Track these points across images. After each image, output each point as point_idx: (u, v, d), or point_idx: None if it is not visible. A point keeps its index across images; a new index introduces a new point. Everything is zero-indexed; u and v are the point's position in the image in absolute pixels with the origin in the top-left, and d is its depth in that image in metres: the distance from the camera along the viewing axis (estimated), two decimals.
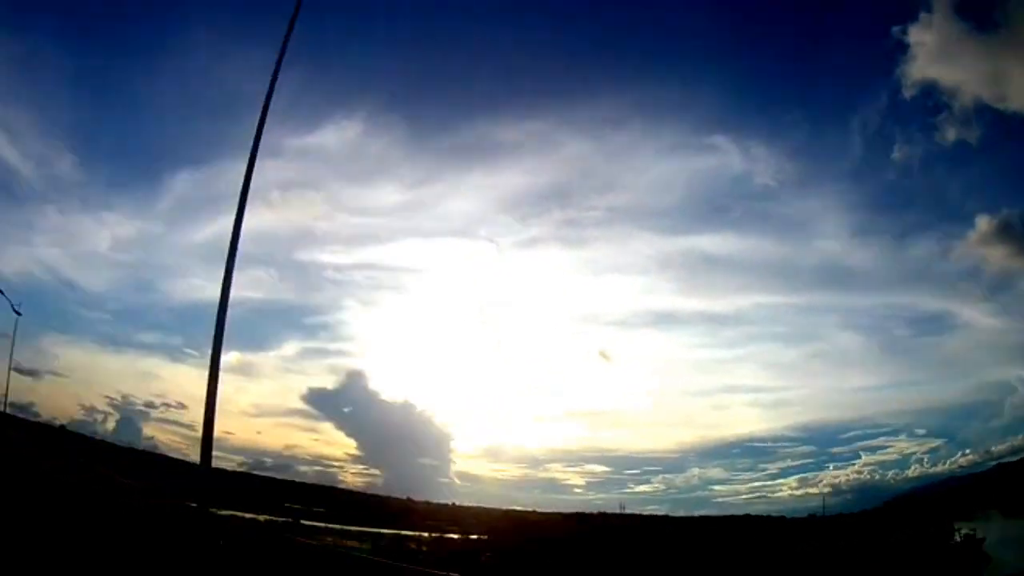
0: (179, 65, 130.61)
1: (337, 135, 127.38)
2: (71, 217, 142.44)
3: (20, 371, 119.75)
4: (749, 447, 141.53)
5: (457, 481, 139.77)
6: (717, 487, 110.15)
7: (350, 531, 44.77)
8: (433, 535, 44.86)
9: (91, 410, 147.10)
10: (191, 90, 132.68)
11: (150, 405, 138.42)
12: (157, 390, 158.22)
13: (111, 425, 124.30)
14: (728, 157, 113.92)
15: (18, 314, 58.70)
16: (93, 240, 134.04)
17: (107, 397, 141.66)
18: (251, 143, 14.61)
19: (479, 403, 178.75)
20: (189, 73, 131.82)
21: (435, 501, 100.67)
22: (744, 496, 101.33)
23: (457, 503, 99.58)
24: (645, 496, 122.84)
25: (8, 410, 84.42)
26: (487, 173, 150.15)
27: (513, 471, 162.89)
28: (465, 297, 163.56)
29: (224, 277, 13.64)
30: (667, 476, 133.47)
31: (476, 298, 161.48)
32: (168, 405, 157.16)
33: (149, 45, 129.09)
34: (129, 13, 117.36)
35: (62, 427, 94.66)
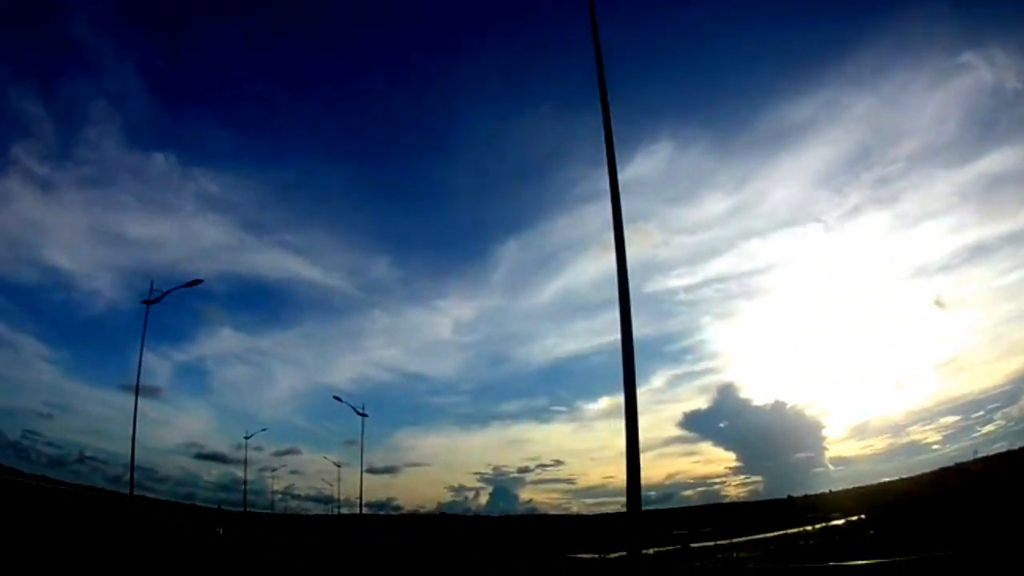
0: (463, 142, 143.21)
1: (649, 161, 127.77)
2: (401, 314, 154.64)
3: (374, 471, 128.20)
4: None
5: (830, 467, 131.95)
6: None
7: (739, 543, 48.38)
8: (816, 527, 46.24)
9: (460, 489, 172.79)
10: (483, 164, 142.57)
11: (524, 470, 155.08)
12: (529, 454, 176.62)
13: (484, 499, 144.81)
14: (978, 72, 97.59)
15: (364, 415, 60.58)
16: (432, 330, 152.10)
17: (476, 473, 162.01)
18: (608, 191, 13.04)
19: (839, 383, 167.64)
20: (474, 148, 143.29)
21: (812, 493, 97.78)
22: None
23: (832, 490, 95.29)
24: (991, 436, 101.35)
25: (365, 510, 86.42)
26: (795, 155, 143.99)
27: (878, 444, 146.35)
28: (806, 282, 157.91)
29: (621, 321, 12.29)
30: (1005, 410, 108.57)
31: (815, 280, 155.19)
32: (543, 466, 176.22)
33: (424, 135, 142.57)
34: (397, 115, 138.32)
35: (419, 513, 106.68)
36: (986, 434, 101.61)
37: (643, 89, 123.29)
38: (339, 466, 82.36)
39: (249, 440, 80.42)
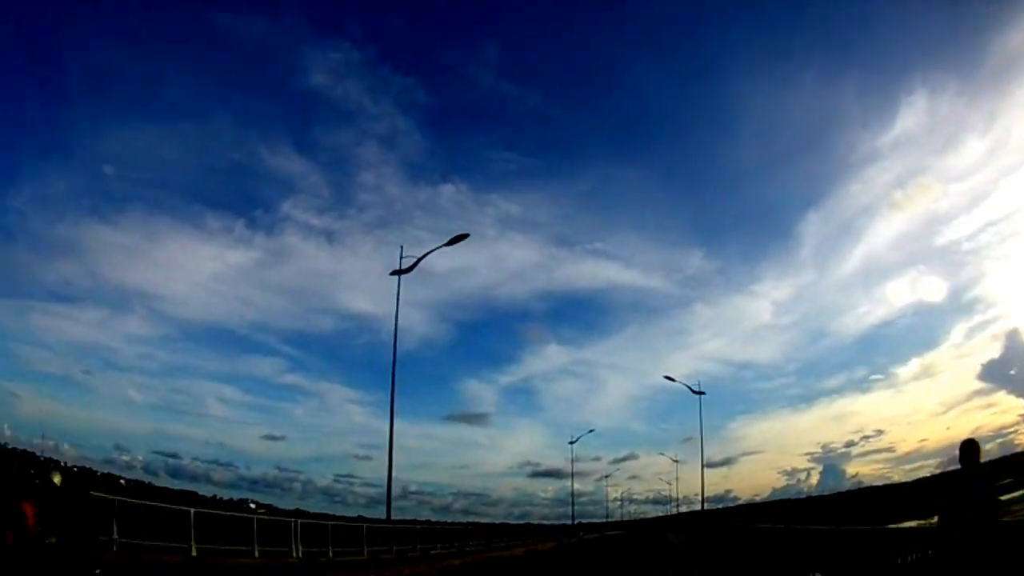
0: (739, 124, 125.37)
1: (911, 113, 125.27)
2: (721, 304, 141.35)
3: (711, 465, 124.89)
4: None
5: None
6: None
7: None
8: None
9: (792, 472, 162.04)
10: (764, 142, 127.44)
11: (849, 444, 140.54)
12: (853, 427, 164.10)
13: (815, 479, 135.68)
14: None
15: (700, 393, 58.08)
16: (753, 315, 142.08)
17: (807, 454, 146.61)
18: None
19: None
20: (752, 128, 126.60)
21: None
22: None
23: None
24: None
25: (706, 505, 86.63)
26: None
27: None
28: None
29: None
30: None
31: None
32: (867, 437, 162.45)
33: (701, 121, 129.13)
34: (669, 105, 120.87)
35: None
36: None
37: (895, 39, 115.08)
38: (676, 461, 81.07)
39: (575, 444, 76.00)
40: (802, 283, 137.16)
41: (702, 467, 61.91)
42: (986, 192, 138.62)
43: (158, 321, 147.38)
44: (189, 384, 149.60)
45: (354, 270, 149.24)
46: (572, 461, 68.04)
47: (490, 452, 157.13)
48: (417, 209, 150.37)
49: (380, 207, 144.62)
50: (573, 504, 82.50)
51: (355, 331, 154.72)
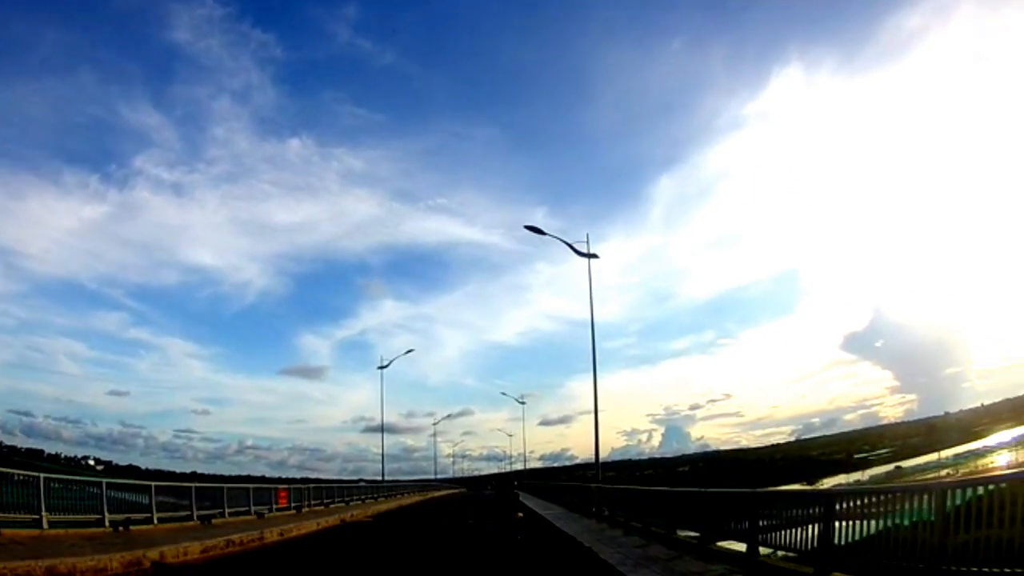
0: (601, 86, 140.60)
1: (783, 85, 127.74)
2: (563, 263, 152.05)
3: (549, 423, 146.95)
4: None
5: (977, 383, 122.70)
6: None
7: None
8: None
9: (632, 433, 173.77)
10: (625, 105, 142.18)
11: (694, 407, 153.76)
12: (699, 390, 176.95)
13: (656, 441, 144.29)
14: None
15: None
16: (596, 275, 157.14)
17: (649, 415, 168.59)
18: None
19: (986, 293, 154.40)
20: (613, 90, 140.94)
21: (966, 407, 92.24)
22: None
23: (984, 403, 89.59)
24: None
25: (540, 463, 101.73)
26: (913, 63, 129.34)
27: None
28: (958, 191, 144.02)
29: None
30: None
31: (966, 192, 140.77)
32: (713, 401, 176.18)
33: (561, 82, 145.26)
34: (529, 65, 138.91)
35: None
36: None
37: (771, 9, 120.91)
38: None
39: (385, 369, 71.46)
40: (650, 245, 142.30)
41: (596, 415, 66.31)
42: (831, 174, 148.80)
43: (15, 277, 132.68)
44: (43, 341, 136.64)
45: (200, 224, 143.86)
46: (382, 394, 54.36)
47: (326, 407, 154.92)
48: (264, 163, 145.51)
49: (228, 161, 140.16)
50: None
51: (197, 285, 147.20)
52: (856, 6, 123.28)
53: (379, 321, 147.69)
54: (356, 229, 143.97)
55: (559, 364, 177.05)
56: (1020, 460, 37.09)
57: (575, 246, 26.25)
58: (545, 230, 27.38)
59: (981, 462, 41.23)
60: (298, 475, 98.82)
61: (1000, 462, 38.90)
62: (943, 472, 40.26)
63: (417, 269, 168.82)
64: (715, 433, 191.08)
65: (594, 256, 26.31)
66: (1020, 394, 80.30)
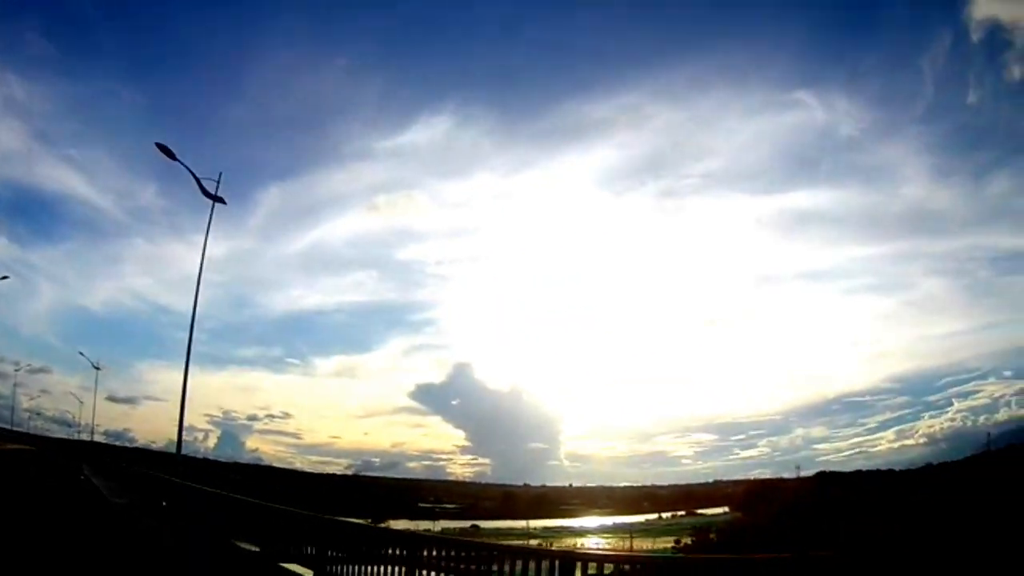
0: (254, 83, 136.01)
1: (428, 131, 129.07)
2: (159, 244, 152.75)
3: (116, 400, 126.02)
4: (849, 402, 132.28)
5: (566, 463, 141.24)
6: (819, 446, 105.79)
7: None
8: None
9: (190, 429, 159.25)
10: (268, 108, 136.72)
11: (253, 418, 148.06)
12: (260, 402, 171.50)
13: (212, 442, 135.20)
14: (811, 112, 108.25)
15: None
16: (186, 264, 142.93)
17: (207, 415, 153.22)
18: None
19: (587, 381, 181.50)
20: (267, 90, 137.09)
21: (550, 484, 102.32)
22: (845, 453, 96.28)
23: (575, 484, 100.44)
24: (750, 461, 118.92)
25: (103, 438, 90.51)
26: (581, 152, 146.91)
27: (621, 447, 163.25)
28: (572, 278, 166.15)
29: None
30: (772, 439, 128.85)
31: (582, 278, 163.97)
32: (272, 416, 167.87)
33: (218, 68, 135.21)
34: (190, 41, 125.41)
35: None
36: (745, 458, 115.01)
37: (438, 58, 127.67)
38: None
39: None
40: (242, 248, 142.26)
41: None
42: (478, 228, 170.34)
43: None
44: None
45: None
46: None
47: None
48: None
49: None
50: None
51: None
52: (527, 82, 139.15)
53: None
54: None
55: (134, 344, 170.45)
56: (617, 545, 36.09)
57: (203, 183, 23.03)
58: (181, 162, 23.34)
59: (575, 541, 39.87)
60: None
61: (592, 544, 37.83)
62: (533, 542, 39.40)
63: (34, 213, 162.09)
64: (270, 448, 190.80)
65: (220, 200, 23.60)
66: (615, 484, 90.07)
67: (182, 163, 22.46)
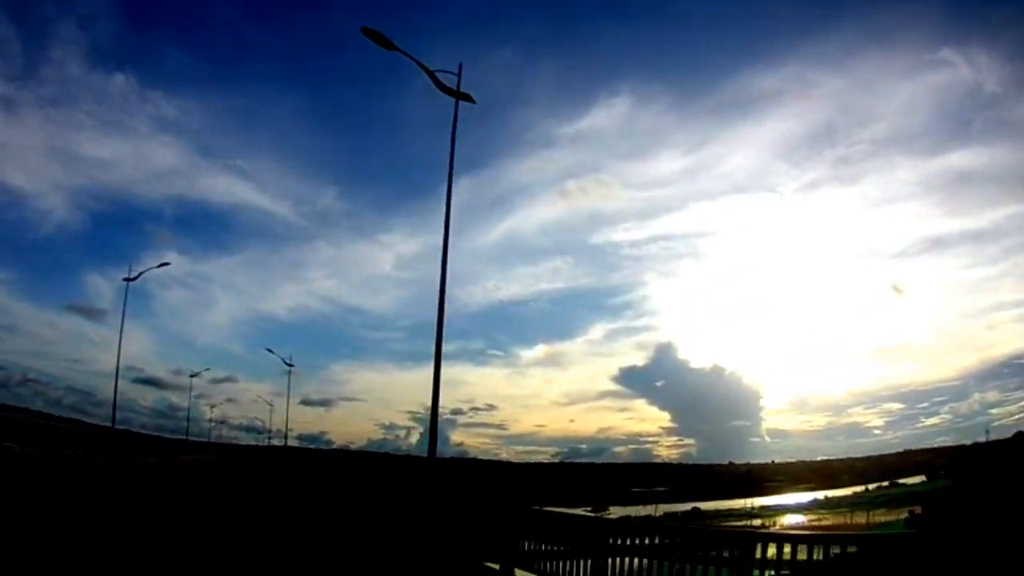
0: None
1: (607, 114, 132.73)
2: (343, 246, 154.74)
3: (309, 403, 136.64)
4: (1018, 365, 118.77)
5: (767, 439, 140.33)
6: (994, 410, 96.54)
7: None
8: None
9: (391, 427, 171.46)
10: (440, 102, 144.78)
11: (457, 412, 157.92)
12: (464, 396, 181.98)
13: (414, 439, 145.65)
14: (957, 70, 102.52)
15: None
16: (374, 264, 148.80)
17: (408, 412, 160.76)
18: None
19: (783, 355, 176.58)
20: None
21: (753, 461, 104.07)
22: (1016, 416, 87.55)
23: (776, 460, 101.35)
24: (934, 429, 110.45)
25: (295, 442, 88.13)
26: (756, 125, 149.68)
27: (818, 420, 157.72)
28: (757, 251, 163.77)
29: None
30: (953, 404, 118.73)
31: (767, 250, 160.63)
32: (477, 409, 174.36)
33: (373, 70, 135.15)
34: (352, 44, 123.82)
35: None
36: (930, 426, 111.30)
37: (608, 39, 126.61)
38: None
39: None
40: (435, 244, 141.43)
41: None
42: (669, 207, 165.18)
43: None
44: None
45: (20, 143, 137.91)
46: (124, 310, 46.44)
47: (102, 350, 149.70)
48: (87, 92, 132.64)
49: (56, 84, 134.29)
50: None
51: (6, 205, 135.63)
52: (697, 55, 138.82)
53: (160, 272, 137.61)
54: (155, 176, 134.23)
55: (325, 346, 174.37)
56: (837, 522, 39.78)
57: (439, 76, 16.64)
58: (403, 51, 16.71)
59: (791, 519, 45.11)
60: (68, 415, 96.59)
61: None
62: (756, 522, 42.90)
63: (203, 226, 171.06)
64: (475, 440, 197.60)
65: (468, 97, 16.76)
66: (812, 459, 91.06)
67: (404, 52, 16.30)
